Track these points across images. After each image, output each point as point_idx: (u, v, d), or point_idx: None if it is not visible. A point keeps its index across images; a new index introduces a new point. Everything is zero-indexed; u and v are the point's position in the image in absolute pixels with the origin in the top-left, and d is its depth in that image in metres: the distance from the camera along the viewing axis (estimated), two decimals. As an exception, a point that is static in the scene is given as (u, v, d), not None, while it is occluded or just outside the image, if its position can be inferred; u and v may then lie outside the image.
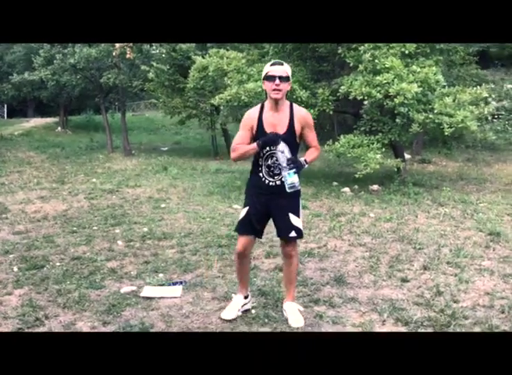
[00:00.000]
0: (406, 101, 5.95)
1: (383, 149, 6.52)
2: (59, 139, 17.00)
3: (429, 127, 6.27)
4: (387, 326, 2.90)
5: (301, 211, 2.92)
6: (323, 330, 2.87)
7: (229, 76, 6.78)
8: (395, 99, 6.02)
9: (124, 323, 3.01)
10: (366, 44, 6.33)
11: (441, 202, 6.04)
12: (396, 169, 7.61)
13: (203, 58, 7.25)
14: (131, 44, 12.13)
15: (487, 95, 6.35)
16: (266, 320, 3.00)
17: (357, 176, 6.35)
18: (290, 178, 2.69)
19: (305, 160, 2.77)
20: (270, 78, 2.63)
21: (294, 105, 2.81)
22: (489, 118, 9.05)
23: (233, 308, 3.04)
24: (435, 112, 6.04)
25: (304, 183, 7.78)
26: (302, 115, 2.77)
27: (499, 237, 4.50)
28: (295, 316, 2.92)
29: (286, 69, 2.68)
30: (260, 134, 2.73)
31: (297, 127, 2.73)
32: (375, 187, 7.03)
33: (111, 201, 6.82)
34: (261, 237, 3.05)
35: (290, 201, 2.85)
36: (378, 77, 6.11)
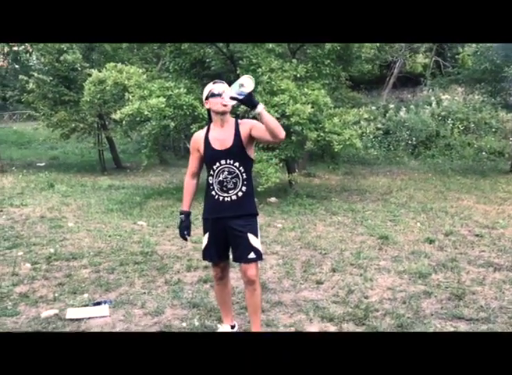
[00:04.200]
0: (300, 121, 6.51)
1: (281, 164, 7.00)
2: None
3: (321, 144, 6.93)
4: (315, 323, 3.21)
5: (259, 232, 2.79)
6: (259, 333, 3.07)
7: (130, 91, 6.70)
8: (291, 118, 6.55)
9: (56, 347, 2.87)
10: (263, 67, 6.80)
11: (333, 212, 6.68)
12: (289, 183, 8.19)
13: (99, 71, 7.04)
14: (5, 51, 11.19)
15: (367, 116, 7.23)
16: (204, 329, 3.11)
17: (259, 189, 6.71)
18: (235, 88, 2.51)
19: (256, 101, 2.52)
20: (215, 95, 2.67)
21: (239, 120, 2.80)
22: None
23: None
24: (326, 130, 6.72)
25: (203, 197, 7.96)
26: (244, 122, 2.75)
27: (387, 241, 5.17)
28: None
29: (228, 87, 2.69)
30: (207, 152, 2.75)
31: (244, 136, 2.68)
32: (273, 199, 7.48)
33: (-3, 222, 6.21)
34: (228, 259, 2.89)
35: (248, 220, 2.72)
36: (275, 98, 6.59)
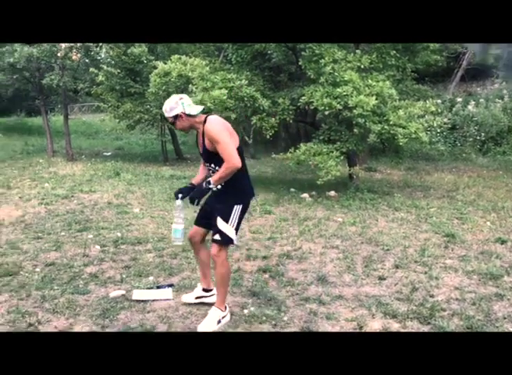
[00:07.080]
0: (364, 113, 6.34)
1: (342, 157, 6.87)
2: (-10, 142, 15.95)
3: (385, 138, 6.72)
4: (377, 319, 3.12)
5: (234, 219, 2.90)
6: (319, 325, 3.04)
7: (193, 83, 6.82)
8: (354, 110, 6.39)
9: (123, 326, 3.00)
10: (326, 58, 6.67)
11: (396, 207, 6.47)
12: (349, 177, 8.03)
13: (164, 63, 7.23)
14: (78, 45, 11.74)
15: (434, 109, 6.92)
16: (264, 318, 3.13)
17: (318, 182, 6.63)
18: (172, 233, 3.11)
19: (208, 182, 2.81)
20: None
21: (206, 122, 2.84)
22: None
23: (191, 295, 3.38)
24: (390, 123, 6.49)
25: (263, 189, 8.01)
26: (205, 131, 2.83)
27: (454, 239, 4.93)
28: (205, 322, 2.98)
29: (164, 113, 2.92)
30: None
31: (207, 142, 2.85)
32: (332, 193, 7.36)
33: (68, 206, 6.57)
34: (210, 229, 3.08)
35: (224, 206, 2.91)
36: (338, 89, 6.45)
